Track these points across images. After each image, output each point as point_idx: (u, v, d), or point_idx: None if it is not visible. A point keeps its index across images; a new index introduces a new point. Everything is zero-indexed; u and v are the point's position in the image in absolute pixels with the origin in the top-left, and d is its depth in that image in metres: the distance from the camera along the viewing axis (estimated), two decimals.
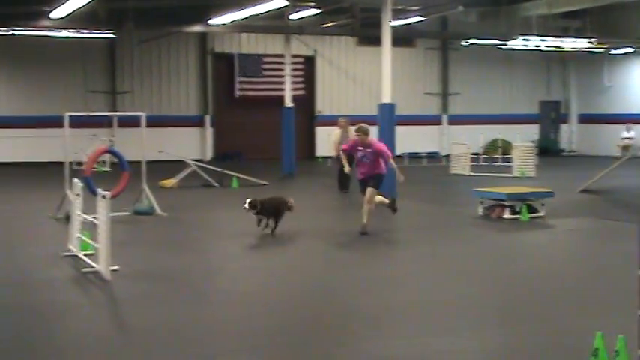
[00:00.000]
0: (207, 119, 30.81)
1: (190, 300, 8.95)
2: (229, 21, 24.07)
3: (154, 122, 17.52)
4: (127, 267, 10.09)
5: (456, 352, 7.06)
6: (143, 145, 15.49)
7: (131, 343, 7.34)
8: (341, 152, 14.57)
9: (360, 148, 13.31)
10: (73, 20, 22.73)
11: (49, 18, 22.56)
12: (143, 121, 15.66)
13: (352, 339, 7.48)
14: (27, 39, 26.25)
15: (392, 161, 13.41)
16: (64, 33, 24.82)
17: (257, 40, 30.75)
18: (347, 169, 14.22)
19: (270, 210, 13.08)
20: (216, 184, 20.40)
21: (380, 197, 13.75)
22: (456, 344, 7.27)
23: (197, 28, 25.67)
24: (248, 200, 12.79)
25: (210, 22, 24.57)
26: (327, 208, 17.58)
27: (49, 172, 20.46)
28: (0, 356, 6.88)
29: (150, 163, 15.74)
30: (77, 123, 15.38)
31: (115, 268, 9.76)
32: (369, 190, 13.23)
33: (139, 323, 8.01)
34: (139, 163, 15.38)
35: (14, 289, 9.29)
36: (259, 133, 30.34)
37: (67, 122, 14.85)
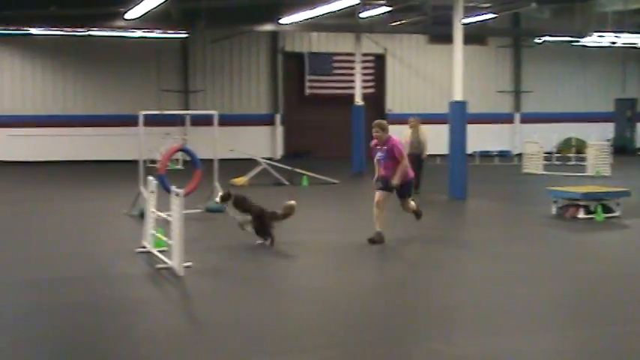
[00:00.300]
0: (278, 118, 31.00)
1: (262, 296, 9.02)
2: (300, 20, 24.18)
3: (226, 121, 17.71)
4: (199, 263, 10.21)
5: (528, 353, 6.98)
6: (215, 143, 15.68)
7: (204, 338, 7.43)
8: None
9: (378, 147, 12.28)
10: (147, 20, 23.13)
11: (124, 19, 22.99)
12: (215, 120, 15.85)
13: (423, 338, 7.44)
14: (102, 39, 26.84)
15: (403, 161, 12.13)
16: (139, 33, 25.28)
17: (327, 39, 30.81)
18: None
19: (246, 208, 12.08)
20: (286, 182, 20.51)
21: (412, 203, 12.91)
22: (527, 345, 7.17)
23: (268, 27, 25.86)
24: (220, 194, 12.58)
25: (281, 21, 24.72)
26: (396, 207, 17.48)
27: (124, 170, 20.86)
28: (78, 348, 7.04)
29: (221, 161, 15.92)
30: (151, 121, 15.63)
31: (188, 264, 9.89)
32: (405, 202, 12.64)
33: (212, 319, 8.10)
34: (210, 161, 15.58)
35: (91, 285, 9.48)
36: (329, 131, 30.39)
37: (141, 121, 15.12)
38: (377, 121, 12.50)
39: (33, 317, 8.02)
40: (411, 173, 12.44)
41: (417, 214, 13.03)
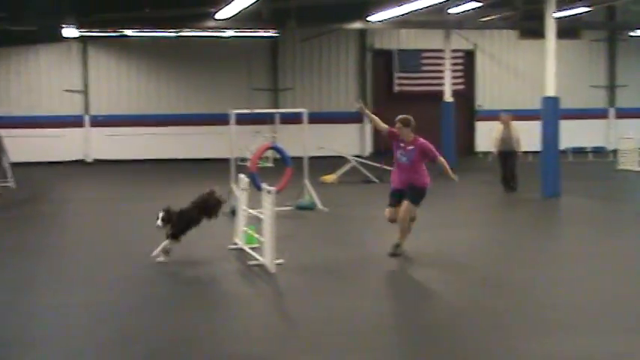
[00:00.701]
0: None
1: (352, 293, 9.06)
2: (389, 17, 24.12)
3: (315, 118, 17.84)
4: (291, 260, 10.32)
5: (629, 356, 6.84)
6: (305, 141, 15.81)
7: (297, 334, 7.52)
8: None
9: (401, 145, 10.90)
10: (238, 20, 23.43)
11: (215, 19, 23.35)
12: (305, 118, 15.97)
13: (517, 338, 7.35)
14: (194, 40, 27.33)
15: (440, 158, 11.03)
16: (230, 33, 25.63)
17: (416, 36, 30.62)
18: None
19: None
20: (375, 180, 20.49)
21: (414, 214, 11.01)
22: (630, 346, 7.03)
23: (357, 25, 25.87)
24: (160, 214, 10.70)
25: (369, 18, 24.71)
26: (491, 205, 17.32)
27: (215, 168, 21.20)
28: (176, 344, 7.21)
29: (311, 158, 16.04)
30: (241, 120, 15.86)
31: (280, 261, 10.01)
32: (406, 205, 10.74)
33: (304, 314, 8.19)
34: (300, 158, 15.71)
35: (186, 282, 9.70)
36: (418, 128, 30.11)
37: (232, 119, 15.36)
38: (401, 117, 11.09)
39: (133, 313, 8.25)
40: (428, 179, 11.00)
41: (403, 233, 10.91)
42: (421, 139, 10.97)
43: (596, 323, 7.79)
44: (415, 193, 10.80)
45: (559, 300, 8.72)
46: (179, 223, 10.65)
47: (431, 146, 11.00)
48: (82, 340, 7.31)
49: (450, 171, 11.09)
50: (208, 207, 11.13)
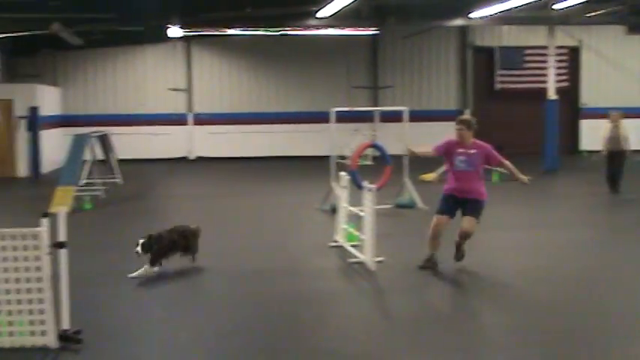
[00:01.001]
0: (467, 113, 30.59)
1: (453, 291, 8.99)
2: (491, 13, 23.76)
3: (414, 116, 17.71)
4: (391, 258, 10.31)
5: None
6: (405, 139, 15.74)
7: (396, 331, 7.51)
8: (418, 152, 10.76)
9: (459, 150, 9.86)
10: (338, 18, 23.50)
11: (316, 17, 23.48)
12: (405, 116, 15.91)
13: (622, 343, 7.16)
14: (295, 38, 27.53)
15: (505, 161, 10.08)
16: (330, 31, 25.72)
17: (518, 32, 30.08)
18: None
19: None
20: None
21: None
22: None
23: (458, 22, 25.58)
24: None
25: (471, 15, 24.40)
26: (593, 205, 16.89)
27: (315, 166, 21.34)
28: (279, 338, 7.30)
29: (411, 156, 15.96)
30: (341, 118, 15.91)
31: (380, 259, 10.01)
32: (469, 221, 9.74)
33: (405, 312, 8.17)
34: (399, 157, 15.66)
35: (287, 277, 9.80)
36: (520, 126, 29.67)
37: (333, 117, 15.43)
38: (463, 117, 10.33)
39: (238, 307, 8.39)
40: (485, 190, 9.96)
41: (461, 248, 10.14)
42: (482, 142, 10.03)
43: None
44: (477, 208, 9.77)
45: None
46: (159, 248, 9.75)
47: (494, 153, 10.03)
48: (186, 333, 7.47)
49: (519, 174, 10.05)
50: (186, 235, 10.23)
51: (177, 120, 29.14)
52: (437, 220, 9.91)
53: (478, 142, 9.99)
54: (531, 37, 29.55)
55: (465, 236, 9.81)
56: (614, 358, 6.80)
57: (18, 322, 6.85)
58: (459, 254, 10.13)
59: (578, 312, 8.18)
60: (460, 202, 9.78)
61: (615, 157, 17.52)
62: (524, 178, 10.06)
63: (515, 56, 29.95)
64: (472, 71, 30.74)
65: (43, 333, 6.86)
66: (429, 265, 9.92)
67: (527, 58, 29.91)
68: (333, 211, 13.46)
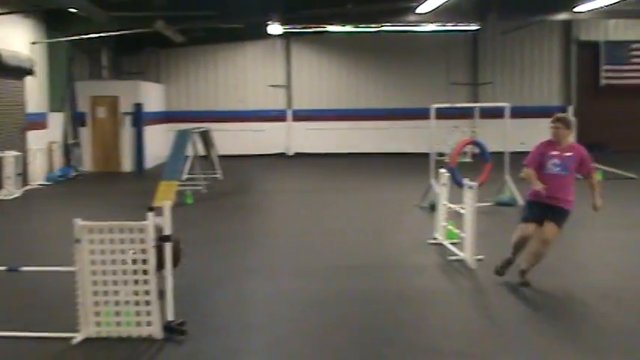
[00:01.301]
0: (570, 109, 29.93)
1: (555, 292, 8.79)
2: (597, 7, 23.14)
3: (515, 113, 17.37)
4: (491, 257, 10.14)
5: None
6: (506, 136, 15.50)
7: (499, 331, 7.40)
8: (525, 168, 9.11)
9: (553, 152, 8.85)
10: (438, 14, 23.30)
11: (416, 13, 23.34)
12: (507, 113, 15.65)
13: None
14: (393, 34, 27.44)
15: (595, 176, 9.12)
16: (430, 27, 25.53)
17: (625, 26, 29.23)
18: (538, 186, 8.29)
19: None
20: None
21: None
22: None
23: (562, 16, 25.02)
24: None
25: (576, 9, 23.81)
26: None
27: (413, 163, 21.24)
28: (375, 335, 7.29)
29: (512, 154, 15.70)
30: (440, 114, 15.76)
31: (480, 257, 9.88)
32: (551, 227, 8.72)
33: (506, 312, 8.03)
34: (500, 154, 15.43)
35: (386, 274, 9.77)
36: (627, 123, 28.87)
37: (432, 114, 15.31)
38: (560, 115, 9.18)
39: (337, 302, 8.42)
40: (573, 199, 8.90)
41: (537, 258, 8.97)
42: (579, 146, 9.03)
43: None
44: (562, 216, 8.78)
45: None
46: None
47: (589, 157, 8.94)
48: (286, 327, 7.54)
49: (598, 196, 8.85)
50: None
51: (277, 116, 29.46)
52: (523, 229, 8.95)
53: (574, 143, 9.08)
54: (638, 31, 28.68)
55: (544, 244, 8.79)
56: None
57: (125, 313, 7.05)
58: (523, 276, 9.03)
59: None
60: (544, 207, 8.79)
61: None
62: (599, 202, 8.83)
63: (621, 51, 29.13)
64: (576, 67, 30.02)
65: (149, 324, 7.03)
66: (502, 272, 9.15)
67: (634, 53, 29.02)
68: (432, 208, 13.37)
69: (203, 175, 18.88)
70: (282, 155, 29.00)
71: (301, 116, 29.52)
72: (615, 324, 7.59)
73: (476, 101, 28.67)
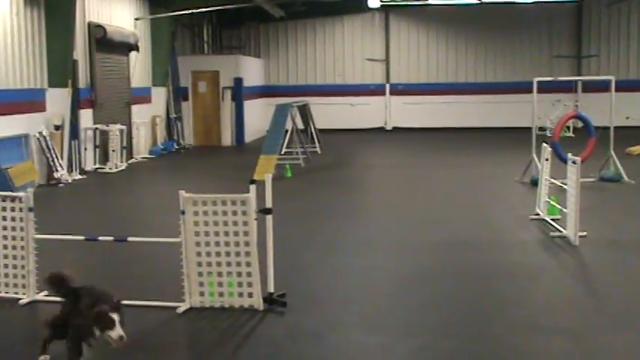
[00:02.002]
0: None
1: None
2: None
3: (621, 87, 16.88)
4: (594, 233, 9.94)
5: None
6: (612, 110, 15.08)
7: (603, 309, 7.23)
8: None
9: None
10: None
11: None
12: (612, 86, 15.20)
13: None
14: (496, 7, 26.95)
15: None
16: None
17: None
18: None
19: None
20: None
21: None
22: None
23: None
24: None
25: None
26: None
27: (513, 137, 20.91)
28: (477, 312, 7.23)
29: (617, 128, 15.28)
30: (542, 88, 15.43)
31: (583, 234, 9.68)
32: None
33: (611, 290, 7.85)
34: (605, 128, 15.03)
35: (486, 250, 9.67)
36: None
37: (535, 87, 15.00)
38: None
39: (438, 278, 8.38)
40: None
41: None
42: None
43: None
44: None
45: None
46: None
47: None
48: (385, 301, 7.56)
49: None
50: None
51: (375, 90, 29.38)
52: None
53: None
54: None
55: None
56: None
57: (228, 283, 7.19)
58: None
59: None
60: None
61: None
62: None
63: None
64: None
65: (250, 295, 7.15)
66: None
67: None
68: (534, 183, 13.14)
69: (302, 149, 19.02)
70: (380, 130, 28.95)
71: (399, 90, 29.35)
72: None
73: (579, 74, 27.95)
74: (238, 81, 24.34)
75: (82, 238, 8.08)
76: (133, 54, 20.69)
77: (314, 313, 7.13)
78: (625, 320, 6.89)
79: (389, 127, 29.20)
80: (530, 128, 15.26)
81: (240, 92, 24.31)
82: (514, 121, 25.81)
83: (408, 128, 28.52)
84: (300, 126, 20.84)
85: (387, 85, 29.46)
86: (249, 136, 24.72)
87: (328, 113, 27.35)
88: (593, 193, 13.60)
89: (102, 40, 18.45)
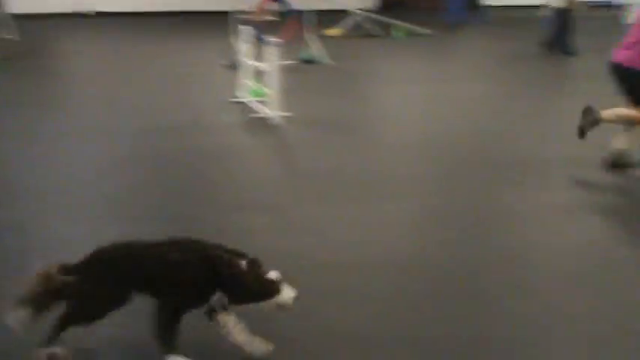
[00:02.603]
0: None
1: (358, 147, 9.02)
2: None
3: None
4: (296, 113, 10.24)
5: None
6: None
7: (301, 185, 7.51)
8: None
9: None
10: None
11: None
12: None
13: None
14: None
15: None
16: None
17: None
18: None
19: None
20: (381, 33, 20.13)
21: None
22: None
23: None
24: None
25: None
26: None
27: (209, 22, 20.80)
28: (184, 191, 7.22)
29: (315, 12, 15.71)
30: None
31: (285, 114, 9.93)
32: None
33: (312, 166, 8.16)
34: (303, 12, 15.41)
35: (192, 133, 9.61)
36: None
37: None
38: None
39: (138, 163, 8.23)
40: None
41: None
42: None
43: None
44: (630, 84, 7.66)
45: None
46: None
47: None
48: (87, 191, 7.31)
49: None
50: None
51: None
52: None
53: None
54: None
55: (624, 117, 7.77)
56: None
57: None
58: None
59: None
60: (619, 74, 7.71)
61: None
62: None
63: None
64: None
65: None
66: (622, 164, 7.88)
67: None
68: (234, 67, 13.19)
69: None
70: (81, 15, 27.35)
71: None
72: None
73: None
74: None
75: None
76: None
77: (15, 206, 6.75)
78: (323, 194, 7.22)
79: (92, 13, 27.43)
80: (227, 12, 15.18)
81: None
82: (210, 4, 25.43)
83: (112, 13, 26.99)
84: None
85: None
86: None
87: None
88: (294, 74, 13.93)
89: None
